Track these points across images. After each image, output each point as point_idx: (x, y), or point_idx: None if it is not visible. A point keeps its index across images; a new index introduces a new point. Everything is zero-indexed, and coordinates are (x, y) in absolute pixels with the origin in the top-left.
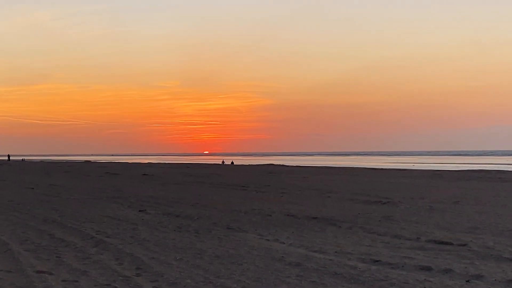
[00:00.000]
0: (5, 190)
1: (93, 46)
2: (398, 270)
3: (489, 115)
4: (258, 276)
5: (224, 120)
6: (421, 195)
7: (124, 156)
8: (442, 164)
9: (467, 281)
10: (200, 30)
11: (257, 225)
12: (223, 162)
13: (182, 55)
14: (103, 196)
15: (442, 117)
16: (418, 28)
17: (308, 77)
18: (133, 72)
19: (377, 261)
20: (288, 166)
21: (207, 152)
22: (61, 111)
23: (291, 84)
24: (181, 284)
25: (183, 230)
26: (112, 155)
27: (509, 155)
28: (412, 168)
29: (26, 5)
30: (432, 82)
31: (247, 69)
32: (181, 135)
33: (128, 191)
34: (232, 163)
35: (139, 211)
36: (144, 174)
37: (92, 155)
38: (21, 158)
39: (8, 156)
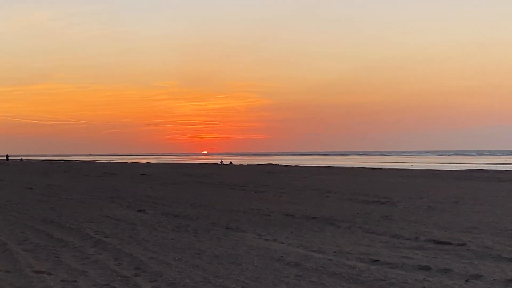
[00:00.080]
0: (3, 190)
1: (92, 46)
2: (397, 270)
3: (488, 115)
4: (257, 276)
5: (223, 120)
6: (420, 195)
7: (122, 156)
8: (440, 164)
9: (466, 280)
10: (199, 30)
11: (256, 225)
12: (221, 162)
13: (181, 55)
14: (101, 196)
15: (441, 117)
16: (418, 28)
17: (307, 77)
18: (132, 72)
19: (376, 260)
20: (287, 166)
21: (205, 152)
22: (60, 111)
23: (290, 84)
24: (180, 284)
25: (182, 230)
26: (111, 155)
27: (507, 155)
28: (411, 167)
29: (25, 5)
30: (431, 82)
31: (246, 69)
32: (180, 135)
33: (127, 191)
34: (231, 163)
35: (138, 211)
36: (143, 174)
37: (90, 155)
38: (19, 158)
39: (7, 156)
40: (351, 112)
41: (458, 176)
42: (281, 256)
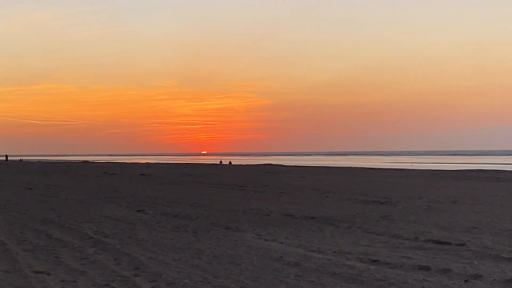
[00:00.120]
0: (3, 191)
1: (92, 46)
2: (396, 270)
3: (487, 115)
4: (257, 276)
5: (222, 120)
6: (419, 195)
7: (122, 156)
8: (440, 164)
9: (465, 280)
10: (199, 30)
11: (256, 225)
12: (221, 162)
13: (181, 55)
14: (101, 196)
15: (440, 117)
16: (418, 28)
17: (306, 77)
18: (132, 72)
19: (376, 261)
20: (286, 166)
21: (205, 152)
22: (59, 111)
23: (289, 84)
24: (180, 284)
25: (182, 230)
26: (111, 155)
27: (506, 155)
28: (410, 168)
29: (25, 5)
30: (431, 82)
31: (246, 69)
32: (179, 135)
33: (126, 191)
34: (230, 163)
35: (137, 211)
36: (142, 174)
37: (90, 155)
38: (19, 158)
39: (6, 156)
40: (350, 112)
41: (457, 176)
42: (281, 256)
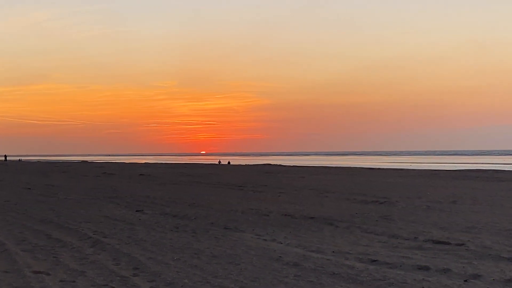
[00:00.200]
0: (2, 191)
1: (91, 46)
2: (396, 270)
3: (487, 115)
4: (256, 276)
5: (221, 120)
6: (419, 195)
7: (121, 156)
8: (439, 164)
9: (465, 280)
10: (198, 30)
11: (255, 225)
12: (219, 162)
13: (180, 55)
14: (100, 196)
15: (439, 117)
16: (418, 28)
17: (305, 77)
18: (131, 72)
19: (375, 260)
20: (285, 166)
21: (204, 152)
22: (58, 111)
23: (288, 84)
24: (179, 284)
25: (181, 230)
26: (109, 155)
27: (505, 155)
28: (409, 167)
29: (25, 5)
30: (431, 82)
31: (244, 69)
32: (178, 135)
33: (125, 191)
34: (229, 163)
35: (136, 211)
36: (141, 174)
37: (88, 155)
38: (18, 158)
39: (5, 156)
40: (349, 112)
41: (456, 176)
42: (280, 256)
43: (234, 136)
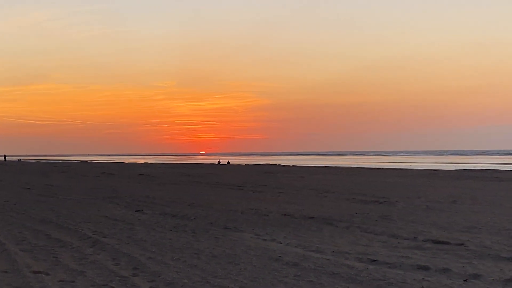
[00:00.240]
0: (1, 191)
1: (90, 46)
2: (395, 270)
3: (486, 115)
4: (255, 276)
5: (220, 120)
6: (418, 195)
7: (120, 156)
8: (439, 164)
9: (465, 280)
10: (197, 30)
11: (254, 224)
12: (219, 162)
13: (179, 55)
14: (99, 196)
15: (439, 117)
16: (418, 28)
17: (305, 77)
18: (130, 72)
19: (375, 260)
20: (284, 166)
21: (203, 152)
22: (58, 111)
23: (288, 84)
24: (178, 284)
25: (180, 230)
26: (109, 155)
27: (505, 155)
28: (409, 167)
29: (24, 5)
30: (430, 82)
31: (244, 69)
32: (178, 135)
33: (125, 191)
34: (228, 163)
35: (136, 211)
36: (141, 174)
37: (88, 155)
38: (17, 158)
39: (4, 156)
40: (349, 112)
41: (456, 176)
42: (280, 256)
43: (234, 136)
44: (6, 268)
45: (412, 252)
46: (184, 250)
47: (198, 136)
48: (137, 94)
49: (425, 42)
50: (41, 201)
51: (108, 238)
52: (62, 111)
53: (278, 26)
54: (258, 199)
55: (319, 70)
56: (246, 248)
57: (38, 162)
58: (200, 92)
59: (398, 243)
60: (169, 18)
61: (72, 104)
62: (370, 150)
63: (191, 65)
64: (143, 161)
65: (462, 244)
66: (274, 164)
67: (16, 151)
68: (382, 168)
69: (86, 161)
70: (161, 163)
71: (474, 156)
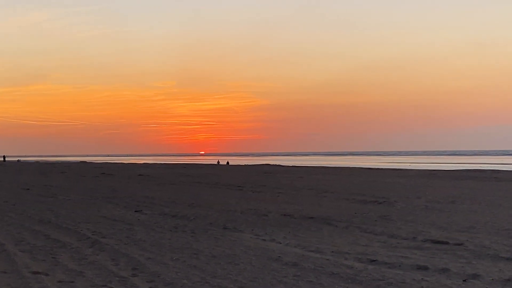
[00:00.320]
0: (0, 191)
1: (90, 47)
2: (395, 270)
3: (485, 115)
4: (255, 276)
5: (220, 121)
6: (417, 195)
7: (120, 156)
8: (438, 164)
9: (464, 280)
10: (197, 30)
11: (254, 225)
12: (218, 162)
13: (178, 55)
14: (98, 196)
15: (438, 117)
16: (417, 28)
17: (304, 77)
18: (129, 72)
19: (374, 260)
20: (284, 166)
21: (203, 152)
22: (57, 112)
23: (287, 84)
24: (178, 284)
25: (179, 230)
26: (108, 156)
27: (503, 155)
28: (408, 168)
29: (23, 5)
30: (429, 82)
31: (243, 69)
32: (177, 135)
33: (124, 191)
34: (228, 163)
35: (135, 211)
36: (140, 175)
37: (88, 155)
38: (16, 159)
39: (3, 157)
40: (348, 112)
41: (455, 176)
42: (279, 256)
43: (233, 136)
44: (5, 268)
45: (411, 252)
46: (183, 250)
47: (197, 137)
48: (137, 94)
49: (425, 42)
50: (40, 201)
51: (107, 238)
52: (61, 112)
53: (278, 26)
54: (257, 199)
55: (318, 70)
56: (246, 248)
57: (37, 162)
58: (200, 92)
59: (398, 243)
60: (169, 18)
61: (71, 105)
62: (369, 150)
63: (190, 65)
64: (142, 162)
65: (461, 244)
66: (273, 164)
67: (15, 152)
68: (381, 168)
69: (85, 162)
70: (161, 163)
71: (473, 156)
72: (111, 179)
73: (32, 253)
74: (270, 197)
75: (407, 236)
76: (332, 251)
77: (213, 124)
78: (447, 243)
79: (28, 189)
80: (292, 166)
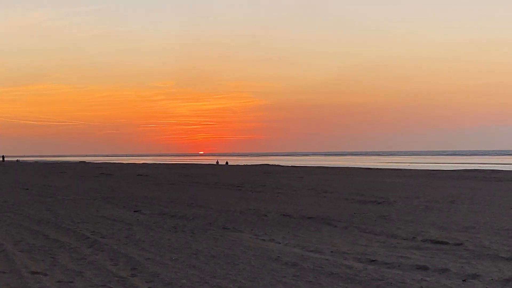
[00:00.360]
0: None
1: (89, 47)
2: (394, 270)
3: (485, 115)
4: (254, 276)
5: (219, 121)
6: (417, 195)
7: (119, 156)
8: (437, 164)
9: (463, 280)
10: (196, 30)
11: (253, 225)
12: (217, 162)
13: (178, 55)
14: (98, 196)
15: (437, 117)
16: (417, 28)
17: (303, 77)
18: (129, 72)
19: (373, 260)
20: (283, 166)
21: (202, 152)
22: (56, 112)
23: (286, 84)
24: (177, 284)
25: (179, 230)
26: (108, 156)
27: (503, 155)
28: (407, 167)
29: (23, 5)
30: (429, 82)
31: (242, 69)
32: (176, 135)
33: (123, 191)
34: (227, 163)
35: (134, 211)
36: (139, 175)
37: (87, 155)
38: (15, 159)
39: (3, 157)
40: (348, 112)
41: (454, 176)
42: (278, 256)
43: (232, 136)
44: (4, 268)
45: (411, 252)
46: (182, 250)
47: (196, 137)
48: (136, 94)
49: (425, 42)
50: (39, 201)
51: (107, 238)
52: (60, 112)
53: (278, 26)
54: (256, 200)
55: (318, 70)
56: (245, 248)
57: (36, 162)
58: (199, 93)
59: (397, 243)
60: (169, 18)
61: (70, 105)
62: (369, 150)
63: (190, 65)
64: (141, 162)
65: (460, 244)
66: (272, 165)
67: (15, 152)
68: (381, 168)
69: (84, 162)
70: (160, 163)
71: (472, 157)
72: (110, 179)
73: (31, 253)
74: (269, 197)
75: (406, 236)
76: (332, 251)
77: (212, 124)
78: (446, 243)
79: (27, 189)
80: (292, 166)
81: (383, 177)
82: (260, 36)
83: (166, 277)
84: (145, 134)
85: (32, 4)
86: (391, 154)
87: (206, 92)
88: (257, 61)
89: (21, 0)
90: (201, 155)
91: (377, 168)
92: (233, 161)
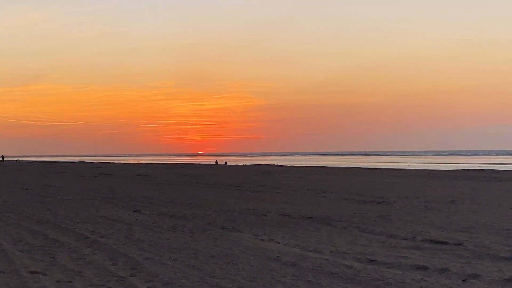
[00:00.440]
0: None
1: (89, 47)
2: (394, 270)
3: (484, 115)
4: (254, 276)
5: (218, 121)
6: (416, 195)
7: (118, 156)
8: (437, 164)
9: (463, 280)
10: (195, 30)
11: (252, 225)
12: (216, 162)
13: (177, 55)
14: (97, 196)
15: (437, 117)
16: (417, 28)
17: (303, 77)
18: (128, 72)
19: (373, 260)
20: (282, 166)
21: (201, 152)
22: (56, 112)
23: (286, 84)
24: (176, 284)
25: (178, 230)
26: (107, 156)
27: (503, 155)
28: (407, 167)
29: (21, 5)
30: (429, 82)
31: (242, 69)
32: (176, 135)
33: (123, 191)
34: (226, 163)
35: (134, 211)
36: (139, 175)
37: (86, 155)
38: (15, 159)
39: (2, 156)
40: (348, 112)
41: (454, 176)
42: (278, 256)
43: (232, 136)
44: (3, 268)
45: (411, 252)
46: (182, 250)
47: (196, 137)
48: (136, 94)
49: (425, 42)
50: (39, 201)
51: (106, 238)
52: (60, 112)
53: (278, 26)
54: (256, 199)
55: (318, 70)
56: (244, 248)
57: (36, 162)
58: (199, 93)
59: (397, 243)
60: (169, 18)
61: (70, 105)
62: (368, 150)
63: (190, 65)
64: (141, 162)
65: (460, 244)
66: (272, 164)
67: (14, 152)
68: (380, 168)
69: (84, 162)
70: (159, 163)
71: (472, 157)
72: (110, 179)
73: (31, 253)
74: (268, 197)
75: (406, 236)
76: (331, 251)
77: (212, 124)
78: (446, 243)
79: (27, 189)
80: (291, 166)
81: (383, 177)
82: (260, 36)
83: (165, 277)
84: (145, 134)
85: (32, 4)
86: (391, 154)
87: (206, 92)
88: (257, 61)
89: (21, 0)
90: (200, 155)
91: (376, 168)
92: (232, 161)
